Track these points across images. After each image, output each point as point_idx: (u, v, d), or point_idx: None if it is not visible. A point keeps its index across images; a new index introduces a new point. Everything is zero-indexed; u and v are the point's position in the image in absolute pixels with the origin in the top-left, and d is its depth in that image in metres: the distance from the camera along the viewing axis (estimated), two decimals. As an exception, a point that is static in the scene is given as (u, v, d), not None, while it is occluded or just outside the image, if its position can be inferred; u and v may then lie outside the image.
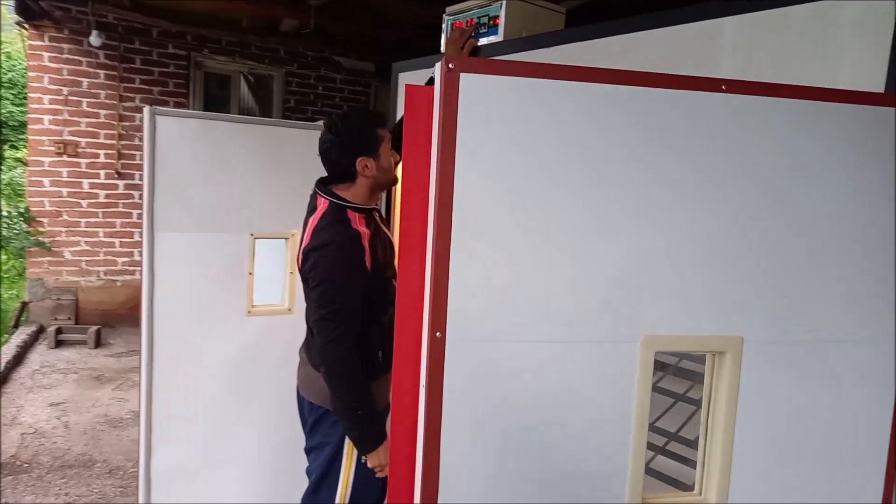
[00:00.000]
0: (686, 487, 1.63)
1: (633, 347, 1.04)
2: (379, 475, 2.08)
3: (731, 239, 1.10)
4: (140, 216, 6.29)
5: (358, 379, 1.99)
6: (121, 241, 6.40)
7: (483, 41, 2.43)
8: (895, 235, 1.19)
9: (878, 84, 1.35)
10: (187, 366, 2.46)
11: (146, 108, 2.24)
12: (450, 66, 0.92)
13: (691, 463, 1.65)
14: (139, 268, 6.52)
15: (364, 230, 2.05)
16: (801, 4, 1.45)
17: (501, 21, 2.41)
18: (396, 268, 1.12)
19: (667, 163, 1.03)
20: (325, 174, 2.16)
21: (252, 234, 2.54)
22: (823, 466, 1.22)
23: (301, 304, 2.29)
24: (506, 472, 0.99)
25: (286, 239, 2.64)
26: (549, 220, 0.97)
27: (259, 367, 2.60)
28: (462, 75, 0.91)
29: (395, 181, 2.17)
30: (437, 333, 0.92)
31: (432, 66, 2.96)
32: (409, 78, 2.85)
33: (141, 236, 2.22)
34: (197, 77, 6.66)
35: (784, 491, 1.20)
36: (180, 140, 2.32)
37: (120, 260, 6.43)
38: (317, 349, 2.01)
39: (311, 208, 2.11)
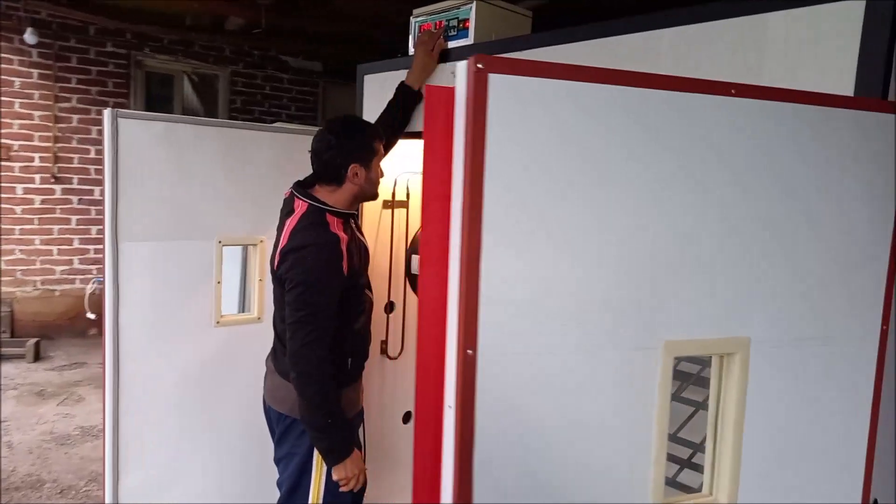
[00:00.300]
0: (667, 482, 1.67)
1: (653, 353, 1.04)
2: (343, 489, 2.04)
3: (737, 240, 1.12)
4: (79, 222, 6.09)
5: (329, 385, 1.96)
6: (59, 249, 6.10)
7: (453, 44, 2.43)
8: (891, 236, 1.25)
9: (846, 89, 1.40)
10: (153, 380, 2.35)
11: (107, 111, 2.12)
12: (479, 65, 0.89)
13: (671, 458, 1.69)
14: (79, 276, 6.29)
15: (342, 235, 2.02)
16: (766, 13, 1.49)
17: (472, 24, 2.41)
18: (417, 271, 1.10)
19: (679, 166, 1.04)
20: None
21: (220, 241, 2.45)
22: (821, 462, 1.26)
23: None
24: (528, 479, 0.98)
25: (254, 245, 2.57)
26: (573, 225, 0.95)
27: (228, 378, 2.52)
28: (491, 76, 0.88)
29: (376, 195, 2.18)
30: (469, 350, 0.89)
31: (398, 68, 2.93)
32: (374, 80, 2.81)
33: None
34: (138, 76, 6.42)
35: (787, 488, 1.24)
36: (144, 144, 2.21)
37: (58, 269, 6.12)
38: (290, 353, 1.96)
39: (288, 210, 2.07)
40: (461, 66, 0.91)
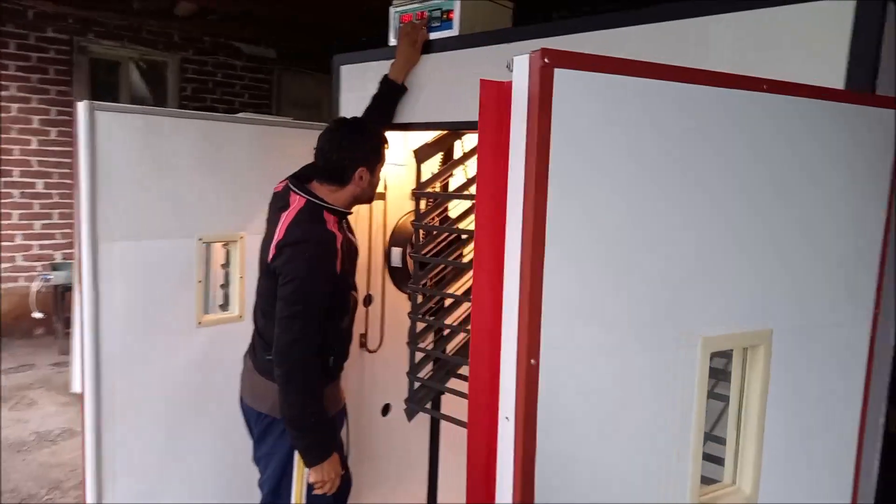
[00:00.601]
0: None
1: (693, 349, 1.06)
2: (317, 492, 2.01)
3: (759, 235, 1.14)
4: (22, 217, 5.78)
5: (314, 382, 1.95)
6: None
7: (436, 35, 2.39)
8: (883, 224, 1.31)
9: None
10: (135, 384, 2.25)
11: (82, 104, 2.00)
12: (545, 59, 0.83)
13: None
14: (23, 274, 5.97)
15: (337, 233, 2.00)
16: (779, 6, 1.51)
17: (456, 15, 2.38)
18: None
19: (721, 165, 1.04)
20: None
21: (200, 239, 2.37)
22: (824, 440, 1.31)
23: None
24: (582, 485, 0.98)
25: (235, 242, 2.49)
26: (630, 227, 0.94)
27: (212, 379, 2.44)
28: (557, 71, 0.83)
29: (373, 199, 2.19)
30: (532, 361, 0.87)
31: (376, 59, 2.87)
32: (351, 71, 2.75)
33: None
34: (81, 63, 6.10)
35: (798, 469, 1.29)
36: (120, 138, 2.10)
37: (1, 266, 5.81)
38: (278, 348, 1.92)
39: (282, 205, 2.03)
40: (520, 60, 0.86)
